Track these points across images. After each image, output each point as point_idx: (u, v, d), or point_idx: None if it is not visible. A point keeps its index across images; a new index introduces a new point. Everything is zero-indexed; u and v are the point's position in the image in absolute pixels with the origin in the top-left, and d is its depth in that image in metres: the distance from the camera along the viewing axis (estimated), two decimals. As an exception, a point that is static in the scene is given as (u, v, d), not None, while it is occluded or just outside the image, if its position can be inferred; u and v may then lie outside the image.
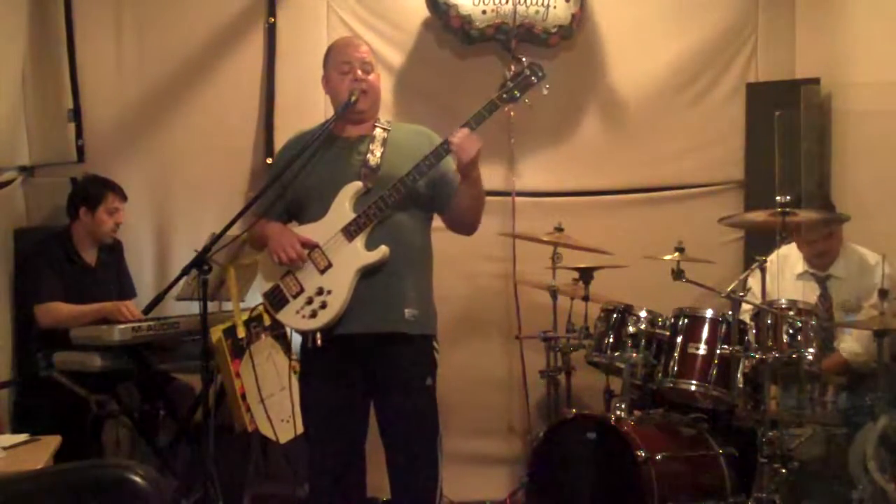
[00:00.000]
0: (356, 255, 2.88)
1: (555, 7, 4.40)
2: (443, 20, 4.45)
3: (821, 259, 3.91)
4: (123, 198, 4.02)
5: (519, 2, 4.36)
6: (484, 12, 4.38)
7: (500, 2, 4.38)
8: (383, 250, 2.87)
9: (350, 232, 2.89)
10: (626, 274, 4.18)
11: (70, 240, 3.95)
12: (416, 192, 2.95)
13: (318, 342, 2.91)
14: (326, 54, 3.09)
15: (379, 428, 3.01)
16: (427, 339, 3.00)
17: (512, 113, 4.38)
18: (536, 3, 4.38)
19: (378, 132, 3.03)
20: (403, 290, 2.93)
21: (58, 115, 4.36)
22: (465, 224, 3.08)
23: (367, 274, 2.89)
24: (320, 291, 2.89)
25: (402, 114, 4.36)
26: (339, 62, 3.01)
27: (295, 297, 2.92)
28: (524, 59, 2.96)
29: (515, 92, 2.90)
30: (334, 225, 2.91)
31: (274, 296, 2.97)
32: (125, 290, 4.14)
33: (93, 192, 3.95)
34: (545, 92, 2.92)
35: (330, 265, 2.90)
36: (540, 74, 2.90)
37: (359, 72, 2.99)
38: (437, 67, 4.62)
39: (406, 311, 2.92)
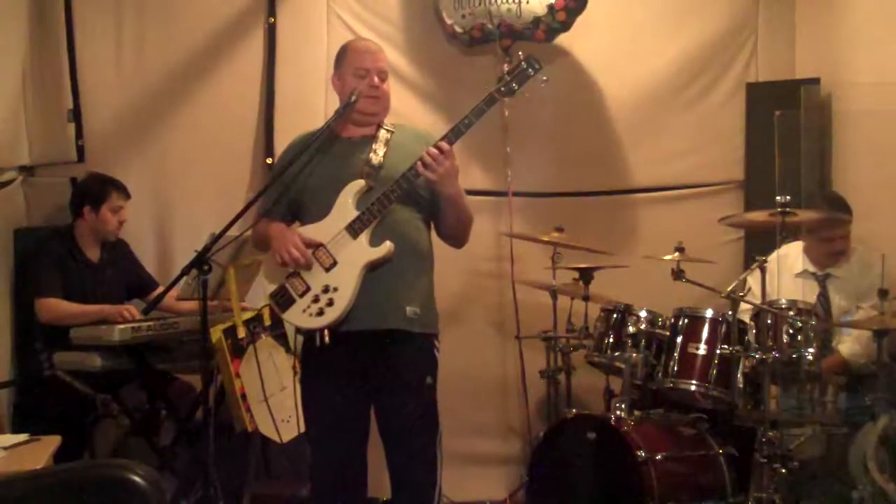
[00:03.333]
0: (361, 252, 2.89)
1: (527, 2, 4.34)
2: (442, 28, 4.48)
3: (833, 258, 3.91)
4: (127, 195, 4.02)
5: (490, 2, 4.35)
6: (463, 16, 4.38)
7: (474, 4, 4.37)
8: (388, 246, 2.88)
9: (354, 229, 2.89)
10: (626, 274, 4.18)
11: (73, 237, 3.96)
12: (417, 193, 2.96)
13: (326, 340, 2.91)
14: (342, 54, 3.09)
15: (379, 427, 3.01)
16: (428, 337, 3.00)
17: (507, 112, 4.38)
18: (507, 0, 4.35)
19: (382, 133, 3.04)
20: (405, 288, 2.94)
21: (58, 115, 4.36)
22: (451, 236, 3.11)
23: (371, 270, 2.89)
24: (326, 289, 2.89)
25: (402, 113, 4.35)
26: (357, 67, 3.02)
27: (301, 296, 2.92)
28: (520, 53, 2.97)
29: (513, 85, 2.92)
30: (338, 223, 2.91)
31: (280, 296, 2.96)
32: (147, 284, 4.14)
33: (96, 191, 3.95)
34: (542, 84, 2.93)
35: (335, 262, 2.90)
36: (536, 66, 2.92)
37: (375, 79, 3.00)
38: (436, 67, 4.62)
39: (408, 308, 2.92)
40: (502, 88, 2.92)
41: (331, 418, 2.99)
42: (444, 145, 2.85)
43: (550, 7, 4.32)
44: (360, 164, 2.97)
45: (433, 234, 3.12)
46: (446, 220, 3.05)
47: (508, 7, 4.33)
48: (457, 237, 3.11)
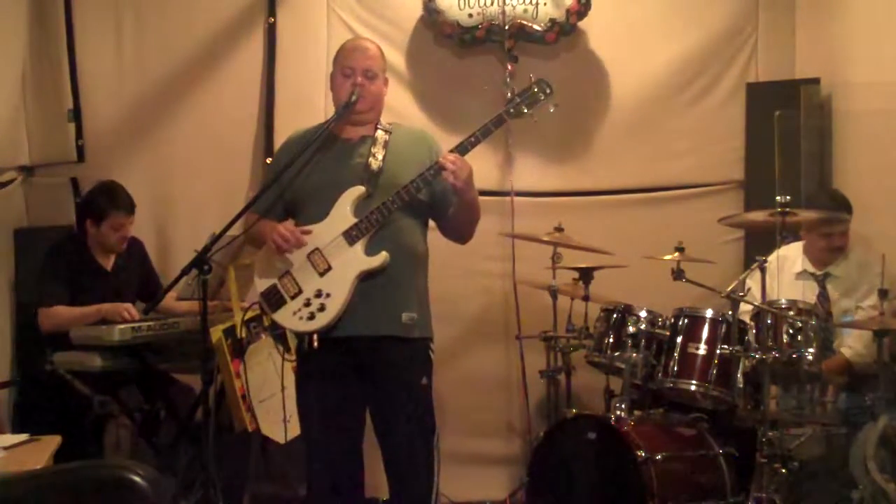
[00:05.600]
0: (357, 260, 2.88)
1: (545, 4, 4.37)
2: (437, 29, 4.47)
3: (833, 254, 3.92)
4: (129, 212, 3.91)
5: (505, 2, 4.34)
6: (470, 16, 4.38)
7: (485, 4, 4.37)
8: (384, 256, 2.88)
9: (351, 236, 2.88)
10: (626, 274, 4.18)
11: (85, 243, 3.91)
12: (417, 200, 2.95)
13: (315, 344, 2.90)
14: (337, 53, 3.10)
15: (374, 428, 3.01)
16: (423, 340, 3.01)
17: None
18: (524, 1, 4.35)
19: (380, 134, 3.03)
20: (401, 295, 2.94)
21: (58, 115, 4.36)
22: (459, 235, 3.13)
23: (366, 277, 2.89)
24: (319, 294, 2.89)
25: (402, 114, 4.35)
26: (344, 65, 3.02)
27: (293, 298, 2.92)
28: (532, 76, 2.99)
29: (523, 107, 2.95)
30: (335, 228, 2.90)
31: (271, 296, 2.95)
32: (154, 289, 4.07)
33: (98, 207, 3.86)
34: (552, 110, 2.96)
35: (329, 268, 2.90)
36: (548, 91, 2.96)
37: (359, 77, 3.00)
38: (436, 67, 4.62)
39: (403, 315, 2.92)
40: (511, 110, 2.95)
41: (326, 419, 2.98)
42: (454, 155, 2.86)
43: (568, 11, 4.36)
44: (358, 168, 2.96)
45: (432, 232, 3.12)
46: (458, 222, 3.05)
47: (525, 8, 4.34)
48: (465, 235, 3.13)
